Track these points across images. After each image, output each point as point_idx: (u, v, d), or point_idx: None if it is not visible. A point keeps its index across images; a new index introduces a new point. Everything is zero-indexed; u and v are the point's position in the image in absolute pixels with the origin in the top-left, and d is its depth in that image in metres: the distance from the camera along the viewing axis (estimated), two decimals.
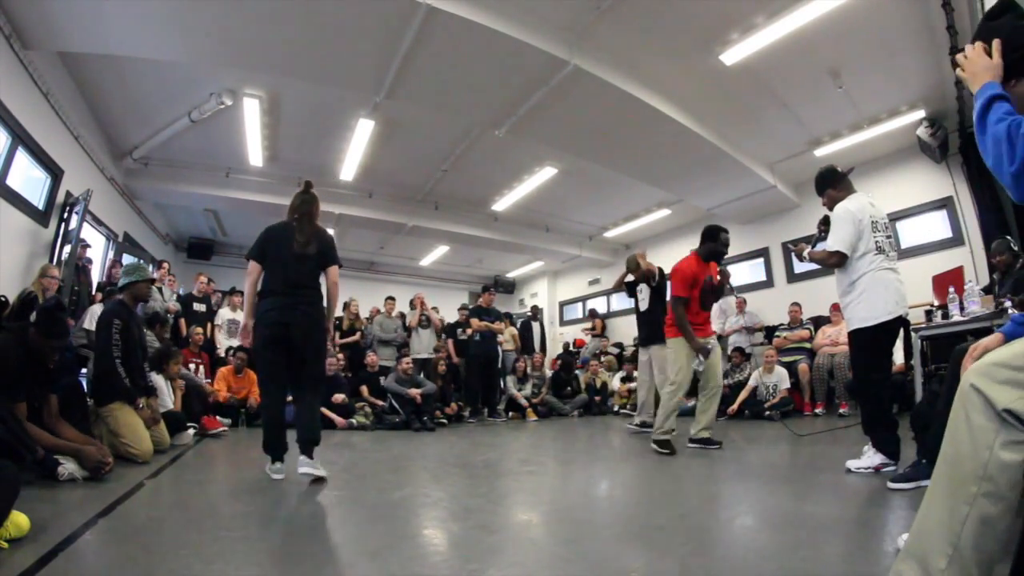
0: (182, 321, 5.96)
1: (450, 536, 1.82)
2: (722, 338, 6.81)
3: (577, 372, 7.87)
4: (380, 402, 5.73)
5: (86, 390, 3.32)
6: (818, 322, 6.39)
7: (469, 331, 6.99)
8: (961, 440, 0.98)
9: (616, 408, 7.26)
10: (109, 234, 6.52)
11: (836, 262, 2.71)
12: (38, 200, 4.78)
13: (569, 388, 7.41)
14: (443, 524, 1.99)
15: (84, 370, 4.16)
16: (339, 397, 5.44)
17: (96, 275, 5.95)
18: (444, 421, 5.93)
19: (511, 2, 4.04)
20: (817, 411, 5.65)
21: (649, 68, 4.87)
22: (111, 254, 6.60)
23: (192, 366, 5.24)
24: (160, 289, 5.85)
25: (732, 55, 4.53)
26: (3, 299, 2.76)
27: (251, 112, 5.54)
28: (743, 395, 5.86)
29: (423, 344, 7.03)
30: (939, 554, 0.95)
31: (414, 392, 5.53)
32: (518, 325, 9.17)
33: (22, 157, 4.42)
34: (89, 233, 5.75)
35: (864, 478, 2.47)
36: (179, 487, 2.70)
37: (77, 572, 1.43)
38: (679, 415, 4.74)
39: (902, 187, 6.23)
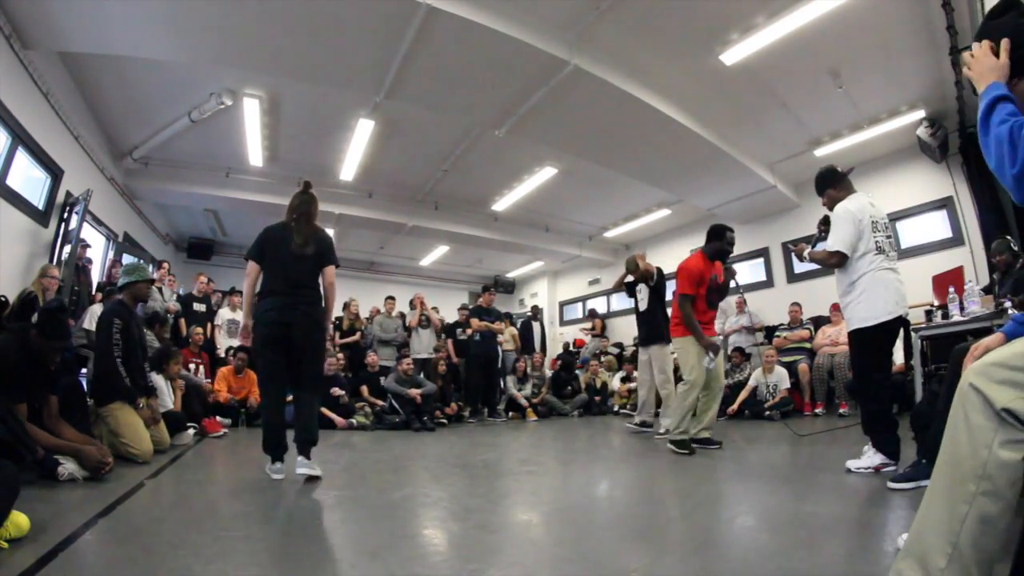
0: (182, 321, 5.96)
1: (450, 536, 1.82)
2: (722, 338, 6.81)
3: (577, 372, 7.87)
4: (380, 402, 5.73)
5: (86, 390, 3.32)
6: (818, 322, 6.39)
7: (469, 331, 6.99)
8: (960, 439, 0.98)
9: (616, 408, 7.25)
10: (109, 234, 6.52)
11: (836, 262, 2.71)
12: (38, 200, 4.78)
13: (569, 388, 7.41)
14: (443, 524, 1.99)
15: (84, 370, 4.16)
16: (338, 391, 5.45)
17: (96, 275, 5.95)
18: (444, 421, 5.93)
19: (511, 2, 4.04)
20: (817, 411, 5.64)
21: (649, 68, 4.87)
22: (111, 254, 6.60)
23: (192, 366, 5.25)
24: (160, 289, 5.86)
25: (732, 55, 4.53)
26: (3, 299, 2.76)
27: (251, 112, 5.54)
28: (743, 395, 5.86)
29: (423, 344, 7.03)
30: (939, 553, 0.96)
31: (414, 392, 5.53)
32: (518, 325, 9.17)
33: (22, 157, 4.42)
34: (89, 233, 5.75)
35: (864, 478, 2.47)
36: (179, 487, 2.70)
37: (77, 572, 1.43)
38: None
39: (902, 187, 6.23)
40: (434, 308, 7.72)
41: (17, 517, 1.58)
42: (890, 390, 2.84)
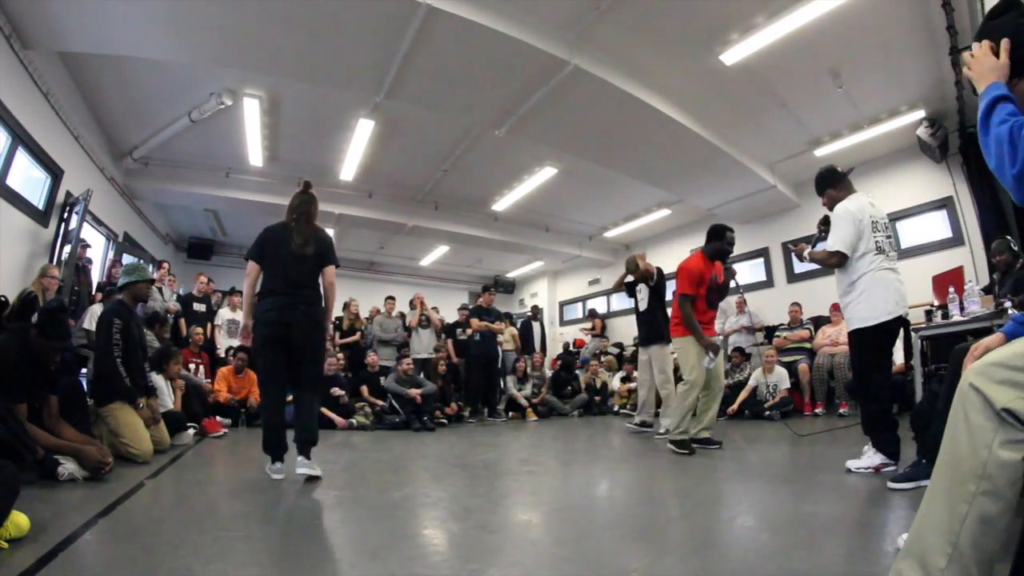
0: (182, 321, 5.96)
1: (450, 536, 1.82)
2: (722, 338, 6.81)
3: (577, 372, 7.87)
4: (380, 402, 5.73)
5: (86, 390, 3.32)
6: (818, 322, 6.39)
7: (469, 331, 6.99)
8: (960, 439, 0.98)
9: (616, 408, 7.25)
10: (109, 234, 6.52)
11: (836, 262, 2.71)
12: (38, 200, 4.78)
13: (569, 388, 7.41)
14: (443, 524, 1.99)
15: (84, 370, 4.16)
16: (338, 391, 5.46)
17: (96, 275, 5.95)
18: (444, 421, 5.93)
19: (511, 2, 4.04)
20: (817, 411, 5.64)
21: (649, 68, 4.87)
22: (111, 254, 6.60)
23: (192, 366, 5.25)
24: (160, 289, 5.86)
25: (732, 55, 4.53)
26: (3, 299, 2.76)
27: (251, 112, 5.54)
28: (743, 395, 5.86)
29: (423, 344, 7.03)
30: (939, 553, 0.96)
31: (414, 392, 5.53)
32: (518, 325, 9.17)
33: (22, 157, 4.42)
34: (89, 233, 5.76)
35: (864, 478, 2.47)
36: (179, 487, 2.70)
37: (77, 572, 1.43)
38: None
39: (902, 187, 6.23)
40: (434, 308, 7.72)
41: (17, 517, 1.58)
42: (890, 390, 2.84)
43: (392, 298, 7.62)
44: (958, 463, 0.98)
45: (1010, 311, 2.83)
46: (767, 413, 5.49)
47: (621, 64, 4.77)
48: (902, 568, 1.02)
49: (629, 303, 5.48)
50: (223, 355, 5.97)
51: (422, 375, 6.20)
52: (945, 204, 5.96)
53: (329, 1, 3.78)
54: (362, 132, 5.91)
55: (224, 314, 6.38)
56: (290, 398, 2.89)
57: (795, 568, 1.41)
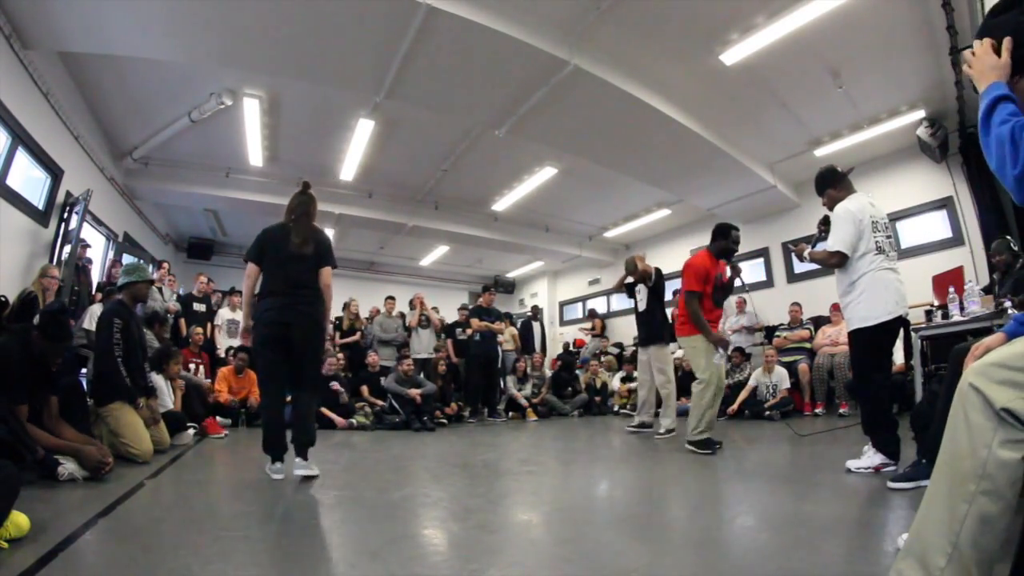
0: (182, 321, 5.96)
1: (450, 536, 1.82)
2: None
3: (577, 372, 7.87)
4: (380, 402, 5.73)
5: (86, 390, 3.32)
6: (818, 322, 6.39)
7: (469, 331, 6.99)
8: (960, 439, 0.98)
9: (616, 408, 7.25)
10: (109, 234, 6.52)
11: (837, 262, 2.71)
12: (38, 200, 4.78)
13: (570, 388, 7.41)
14: (443, 524, 1.98)
15: (84, 370, 4.16)
16: (337, 386, 5.47)
17: (96, 275, 5.95)
18: (444, 421, 5.93)
19: (511, 2, 4.04)
20: (817, 411, 5.64)
21: (649, 68, 4.87)
22: (111, 254, 6.60)
23: (192, 366, 5.25)
24: (160, 289, 5.86)
25: (732, 55, 4.53)
26: (3, 299, 2.76)
27: (251, 112, 5.54)
28: (743, 395, 5.86)
29: (423, 344, 7.04)
30: (939, 552, 0.96)
31: (414, 392, 5.53)
32: (518, 325, 9.17)
33: (22, 157, 4.42)
34: (89, 233, 5.75)
35: (864, 478, 2.47)
36: (179, 487, 2.70)
37: (77, 572, 1.43)
38: (679, 415, 4.77)
39: (902, 187, 6.23)
40: (434, 308, 7.72)
41: (17, 517, 1.58)
42: (890, 390, 2.84)
43: (392, 298, 7.62)
44: (958, 463, 0.97)
45: (1010, 311, 2.83)
46: (767, 413, 5.49)
47: (621, 64, 4.77)
48: (902, 568, 1.02)
49: (629, 303, 5.48)
50: (223, 355, 5.97)
51: (422, 375, 6.20)
52: (945, 204, 5.96)
53: (329, 1, 3.78)
54: (362, 132, 5.91)
55: (224, 314, 6.38)
56: (289, 398, 2.89)
57: (795, 568, 1.41)
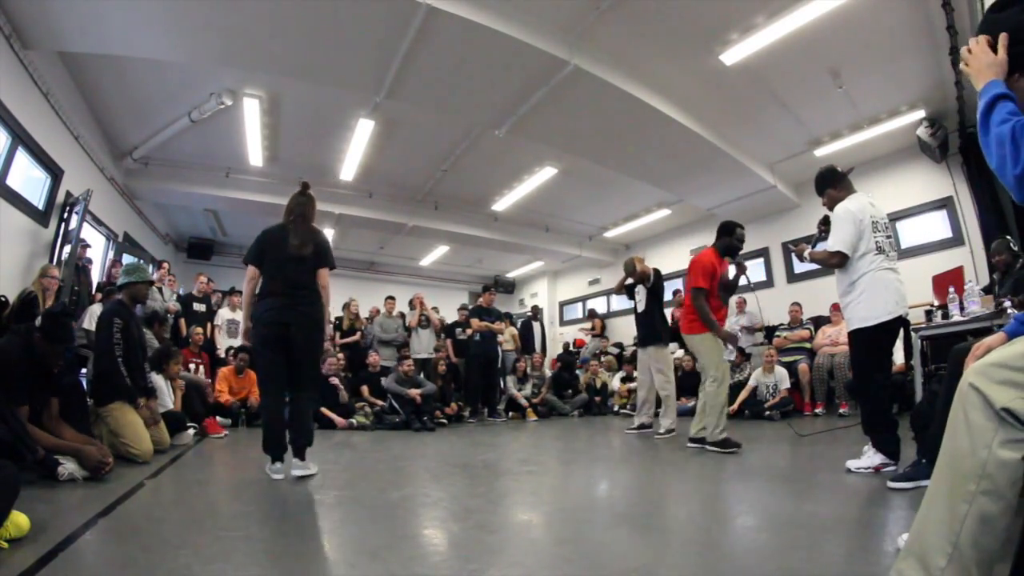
0: (182, 321, 5.96)
1: (450, 536, 1.82)
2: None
3: (577, 372, 7.87)
4: (380, 402, 5.73)
5: (86, 390, 3.32)
6: (818, 322, 6.39)
7: (469, 331, 6.99)
8: (960, 439, 0.98)
9: (616, 408, 7.26)
10: (109, 234, 6.52)
11: (837, 262, 2.71)
12: (38, 200, 4.78)
13: (570, 390, 7.41)
14: (443, 524, 1.98)
15: (84, 370, 4.16)
16: (335, 381, 5.48)
17: (96, 275, 5.95)
18: (444, 421, 5.92)
19: (511, 2, 4.05)
20: (817, 411, 5.65)
21: (649, 68, 4.87)
22: (111, 254, 6.60)
23: (192, 366, 5.24)
24: (160, 289, 5.86)
25: (732, 55, 4.54)
26: (3, 299, 2.76)
27: (251, 112, 5.54)
28: (743, 395, 5.86)
29: (423, 344, 7.04)
30: (939, 552, 0.96)
31: (414, 392, 5.53)
32: (518, 325, 9.17)
33: (22, 157, 4.42)
34: (89, 233, 5.75)
35: (864, 478, 2.47)
36: (179, 487, 2.69)
37: (77, 572, 1.43)
38: (679, 415, 4.78)
39: (902, 187, 6.23)
40: (434, 308, 7.72)
41: (17, 517, 1.58)
42: (890, 390, 2.84)
43: (392, 298, 7.62)
44: (958, 463, 0.97)
45: (1009, 311, 2.83)
46: (767, 413, 5.49)
47: (621, 64, 4.77)
48: (903, 568, 1.02)
49: (629, 303, 5.49)
50: (223, 355, 5.97)
51: (422, 375, 6.21)
52: (945, 204, 5.96)
53: (329, 1, 3.78)
54: (362, 132, 5.91)
55: (224, 314, 6.38)
56: (288, 398, 2.89)
57: (795, 568, 1.41)
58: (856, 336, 2.67)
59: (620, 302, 10.08)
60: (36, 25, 3.99)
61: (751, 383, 5.90)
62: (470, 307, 7.56)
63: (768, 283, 7.87)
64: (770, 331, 6.95)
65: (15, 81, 4.14)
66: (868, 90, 5.17)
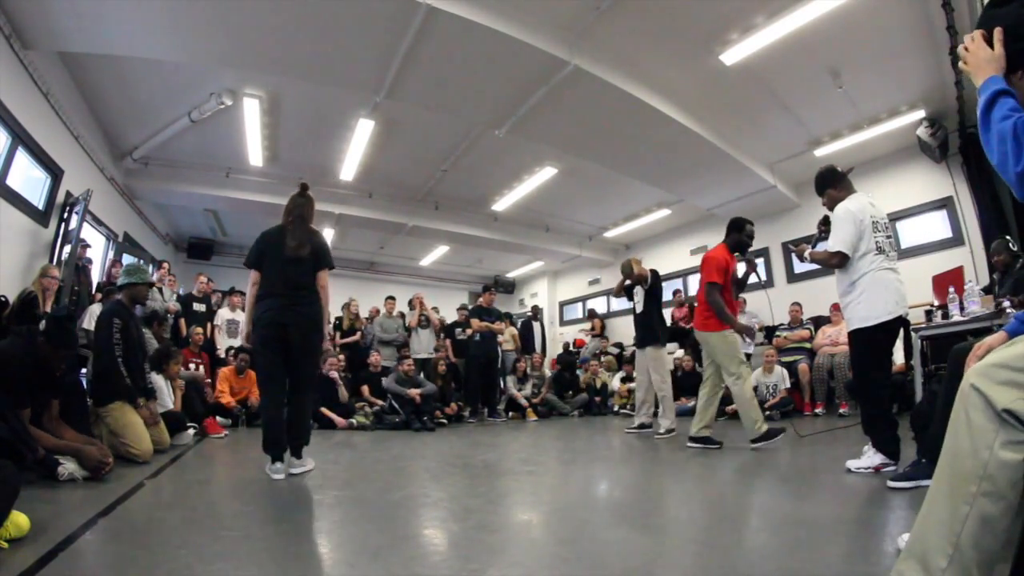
0: (182, 321, 5.96)
1: (450, 536, 1.82)
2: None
3: (577, 372, 7.87)
4: (380, 402, 5.73)
5: (86, 390, 3.32)
6: (818, 322, 6.39)
7: (469, 331, 6.99)
8: (961, 440, 0.98)
9: (616, 408, 7.26)
10: (109, 234, 6.52)
11: (838, 262, 2.71)
12: (38, 200, 4.78)
13: (570, 389, 7.41)
14: (443, 524, 1.98)
15: (84, 370, 4.15)
16: (335, 375, 5.48)
17: (96, 275, 5.95)
18: (444, 421, 5.92)
19: (511, 2, 4.04)
20: (817, 411, 5.65)
21: (649, 68, 4.87)
22: (111, 254, 6.60)
23: (192, 366, 5.24)
24: (160, 289, 5.85)
25: (732, 55, 4.54)
26: (3, 299, 2.76)
27: (251, 112, 5.54)
28: None
29: (423, 344, 7.04)
30: (940, 553, 0.95)
31: (414, 392, 5.53)
32: (518, 325, 9.17)
33: (22, 157, 4.42)
34: (89, 233, 5.75)
35: (864, 478, 2.47)
36: (179, 487, 2.69)
37: (77, 572, 1.43)
38: (678, 415, 4.78)
39: (902, 187, 6.23)
40: (434, 308, 7.72)
41: (17, 517, 1.57)
42: (890, 390, 2.84)
43: (392, 298, 7.62)
44: (959, 464, 0.97)
45: (1009, 311, 2.83)
46: (767, 413, 5.47)
47: (621, 64, 4.77)
48: (903, 569, 1.02)
49: (629, 304, 5.49)
50: (223, 355, 5.97)
51: (422, 375, 6.20)
52: (945, 204, 5.96)
53: (329, 1, 3.78)
54: (362, 132, 5.91)
55: (224, 314, 6.38)
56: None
57: (795, 568, 1.41)
58: (856, 336, 2.67)
59: (620, 302, 10.07)
60: (36, 25, 3.99)
61: (751, 383, 5.89)
62: (470, 307, 7.56)
63: (768, 283, 7.87)
64: (770, 331, 6.95)
65: (15, 81, 4.14)
66: (868, 90, 5.17)
